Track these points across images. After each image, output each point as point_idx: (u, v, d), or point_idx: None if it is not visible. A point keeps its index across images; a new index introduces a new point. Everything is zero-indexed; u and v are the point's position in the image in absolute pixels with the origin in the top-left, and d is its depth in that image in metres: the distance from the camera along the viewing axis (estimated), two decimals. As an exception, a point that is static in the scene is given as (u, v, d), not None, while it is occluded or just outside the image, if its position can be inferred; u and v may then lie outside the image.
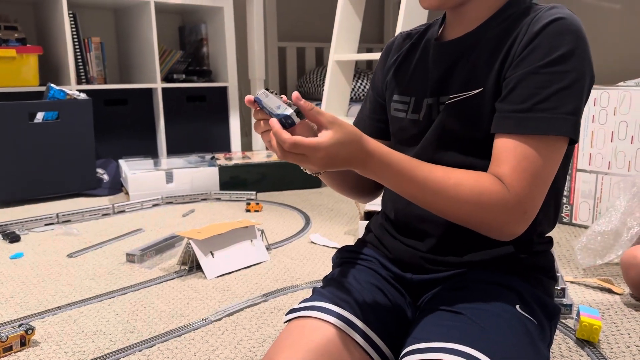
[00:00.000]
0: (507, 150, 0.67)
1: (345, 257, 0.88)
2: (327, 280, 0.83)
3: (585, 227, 1.80)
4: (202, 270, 1.39)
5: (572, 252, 1.56)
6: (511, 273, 0.76)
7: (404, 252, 0.81)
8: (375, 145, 0.66)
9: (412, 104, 0.80)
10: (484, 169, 0.70)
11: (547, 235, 0.81)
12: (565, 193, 1.84)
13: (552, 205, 0.77)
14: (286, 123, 0.61)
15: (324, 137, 0.61)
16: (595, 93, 1.73)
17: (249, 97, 0.65)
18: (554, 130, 0.65)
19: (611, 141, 1.72)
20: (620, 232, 1.36)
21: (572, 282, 1.33)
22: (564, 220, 1.85)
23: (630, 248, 1.26)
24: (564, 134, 0.66)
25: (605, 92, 1.72)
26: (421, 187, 0.67)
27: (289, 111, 0.61)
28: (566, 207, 1.84)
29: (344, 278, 0.81)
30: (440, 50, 0.78)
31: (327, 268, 1.42)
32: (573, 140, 0.68)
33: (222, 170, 2.36)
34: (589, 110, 1.74)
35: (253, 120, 0.69)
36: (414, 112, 0.80)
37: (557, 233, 1.74)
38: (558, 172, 0.71)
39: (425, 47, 0.82)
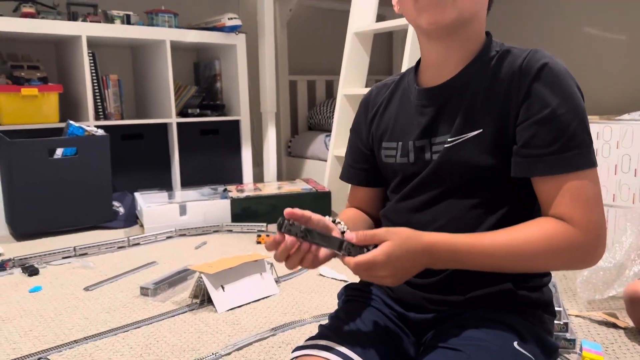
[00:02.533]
0: (555, 191, 0.72)
1: (350, 295, 0.92)
2: (332, 318, 0.86)
3: (593, 258, 1.80)
4: (213, 304, 1.43)
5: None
6: (510, 310, 0.79)
7: (407, 292, 0.84)
8: (431, 236, 0.72)
9: (400, 148, 0.85)
10: (477, 207, 0.75)
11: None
12: (571, 225, 1.85)
13: None
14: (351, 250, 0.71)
15: (380, 248, 0.69)
16: (598, 127, 1.76)
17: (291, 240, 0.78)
18: (587, 164, 0.72)
19: (615, 174, 1.74)
20: (624, 268, 1.37)
21: (577, 316, 1.34)
22: (572, 252, 1.85)
23: (634, 281, 1.27)
24: (594, 165, 0.73)
25: (607, 126, 1.75)
26: (494, 256, 0.72)
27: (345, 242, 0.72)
28: (573, 238, 1.85)
29: (348, 316, 0.84)
30: (427, 94, 0.82)
31: (335, 301, 1.44)
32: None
33: (234, 202, 2.41)
34: (592, 144, 1.76)
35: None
36: (402, 156, 0.85)
37: (564, 265, 1.75)
38: None
39: (404, 94, 0.87)
